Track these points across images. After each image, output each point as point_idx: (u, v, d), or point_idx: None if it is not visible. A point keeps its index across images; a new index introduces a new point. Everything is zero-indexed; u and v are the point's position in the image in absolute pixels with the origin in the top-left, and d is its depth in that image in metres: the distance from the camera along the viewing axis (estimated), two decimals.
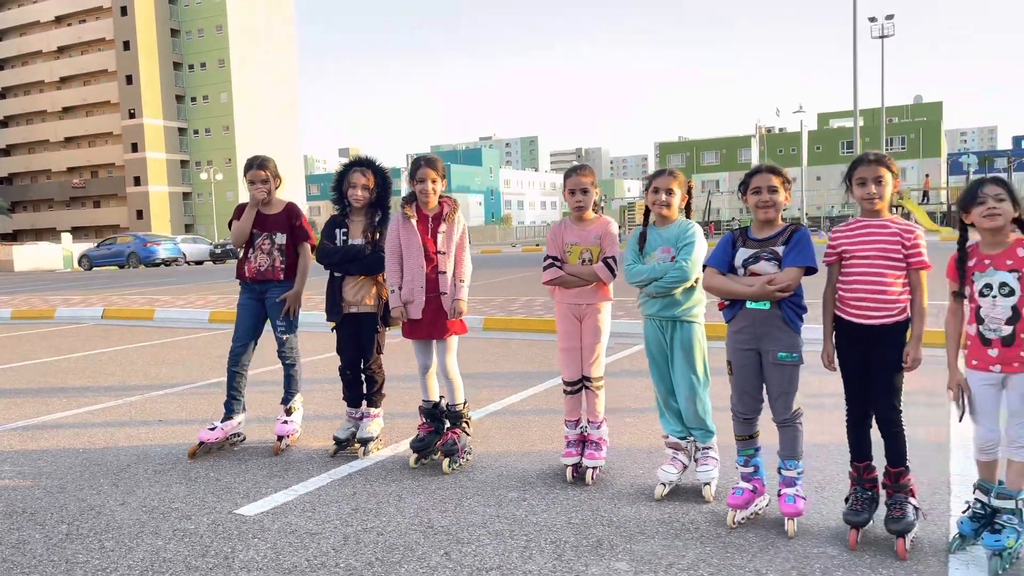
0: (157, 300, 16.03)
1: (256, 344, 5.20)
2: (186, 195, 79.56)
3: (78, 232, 75.18)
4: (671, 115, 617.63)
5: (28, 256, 43.92)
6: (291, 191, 79.76)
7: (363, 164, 4.86)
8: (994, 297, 3.11)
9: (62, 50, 79.34)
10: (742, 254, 3.58)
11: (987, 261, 3.13)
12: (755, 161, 46.84)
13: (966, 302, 3.23)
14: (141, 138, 74.91)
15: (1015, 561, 3.07)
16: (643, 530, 3.55)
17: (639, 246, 4.00)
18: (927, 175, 66.33)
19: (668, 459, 4.05)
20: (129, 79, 74.55)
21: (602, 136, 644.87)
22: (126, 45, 74.27)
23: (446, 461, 4.46)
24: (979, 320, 3.15)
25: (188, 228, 77.53)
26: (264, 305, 5.07)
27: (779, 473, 3.60)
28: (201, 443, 4.94)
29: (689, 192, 4.03)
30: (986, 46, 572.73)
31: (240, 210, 5.08)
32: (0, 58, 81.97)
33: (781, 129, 54.80)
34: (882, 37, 50.91)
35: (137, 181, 75.80)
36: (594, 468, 4.22)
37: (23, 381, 7.90)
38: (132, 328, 12.31)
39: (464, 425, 4.63)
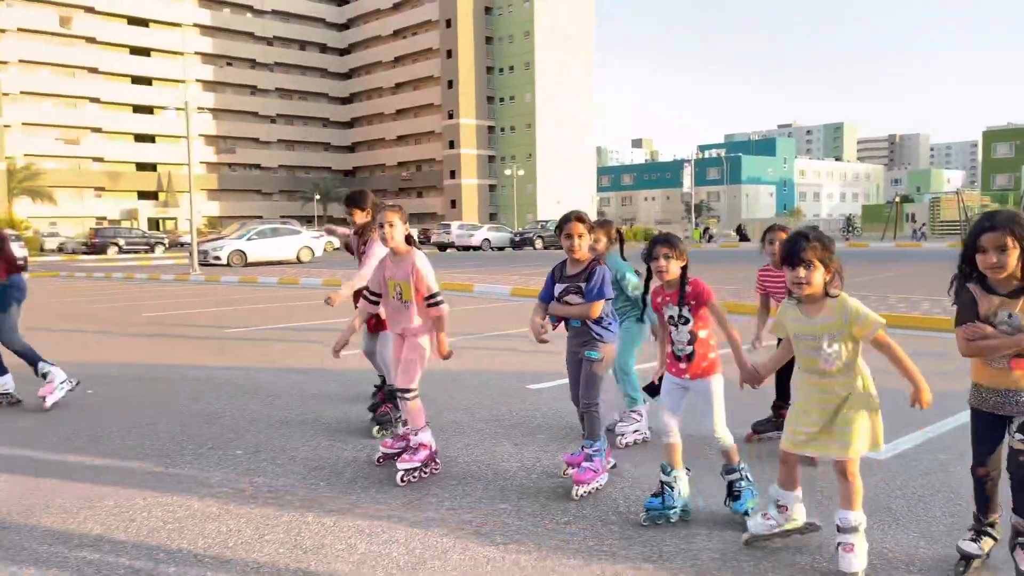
0: (473, 278, 20.39)
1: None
2: (491, 187, 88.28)
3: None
4: (1008, 95, 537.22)
5: None
6: (582, 183, 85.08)
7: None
8: (675, 325, 3.84)
9: (397, 60, 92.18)
10: (557, 288, 4.33)
11: (668, 298, 3.85)
12: None
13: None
14: (457, 136, 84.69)
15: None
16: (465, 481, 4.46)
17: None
18: None
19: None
20: (450, 84, 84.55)
21: (923, 121, 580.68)
22: (448, 54, 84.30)
23: (376, 427, 5.52)
24: (672, 343, 3.86)
25: (492, 217, 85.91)
26: None
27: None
28: None
29: (619, 234, 5.02)
30: None
31: None
32: (351, 68, 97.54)
33: None
34: None
35: (452, 175, 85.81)
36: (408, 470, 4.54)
37: None
38: (458, 296, 16.36)
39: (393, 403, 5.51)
